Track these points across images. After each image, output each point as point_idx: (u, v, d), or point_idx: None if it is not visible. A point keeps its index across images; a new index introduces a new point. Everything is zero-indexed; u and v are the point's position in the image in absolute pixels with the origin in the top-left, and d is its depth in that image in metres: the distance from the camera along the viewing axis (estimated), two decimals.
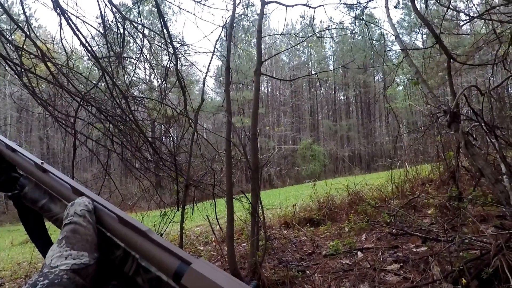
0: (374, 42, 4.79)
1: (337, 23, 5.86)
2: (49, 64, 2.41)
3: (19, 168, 0.53)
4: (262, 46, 3.90)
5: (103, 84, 2.81)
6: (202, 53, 3.66)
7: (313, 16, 7.52)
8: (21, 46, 2.43)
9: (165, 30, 3.08)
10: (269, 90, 35.64)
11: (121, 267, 0.40)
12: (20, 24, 2.47)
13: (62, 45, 2.83)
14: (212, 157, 3.99)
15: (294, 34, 5.31)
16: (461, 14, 6.59)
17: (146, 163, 3.37)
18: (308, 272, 3.03)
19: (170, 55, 3.25)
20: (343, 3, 4.47)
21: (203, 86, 3.62)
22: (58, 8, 2.24)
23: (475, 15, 4.15)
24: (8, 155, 0.54)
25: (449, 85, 3.65)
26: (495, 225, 3.05)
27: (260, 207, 3.09)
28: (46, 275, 0.33)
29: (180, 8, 3.51)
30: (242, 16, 4.83)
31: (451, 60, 3.57)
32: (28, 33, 2.41)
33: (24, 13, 2.71)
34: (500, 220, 3.12)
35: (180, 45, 3.92)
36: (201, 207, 3.64)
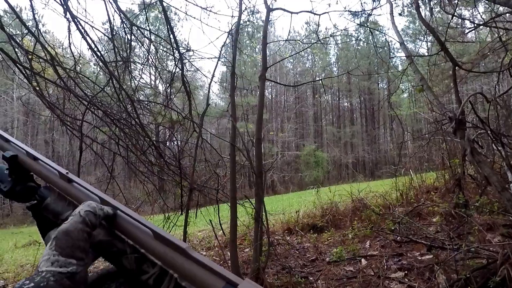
0: (378, 49, 4.80)
1: (341, 30, 5.89)
2: (57, 68, 2.45)
3: (42, 178, 0.50)
4: (267, 52, 3.94)
5: (110, 88, 2.85)
6: (208, 58, 3.72)
7: (318, 22, 7.57)
8: (31, 50, 2.48)
9: (171, 36, 3.12)
10: (273, 96, 35.74)
11: (156, 287, 0.37)
12: (30, 29, 2.53)
13: (71, 50, 2.88)
14: (216, 161, 4.00)
15: (299, 40, 5.35)
16: (466, 22, 6.60)
17: (151, 167, 3.39)
18: (311, 278, 3.00)
19: (176, 60, 3.29)
20: (348, 10, 4.51)
21: (209, 91, 3.65)
22: (68, 14, 2.29)
23: (480, 23, 4.16)
24: (28, 164, 0.50)
25: (455, 92, 3.63)
26: (502, 233, 3.00)
27: (263, 213, 3.09)
28: (33, 278, 0.33)
29: (187, 14, 3.57)
30: (248, 22, 4.89)
31: (456, 68, 3.56)
32: (38, 38, 2.46)
33: (34, 18, 2.77)
34: (507, 229, 3.07)
35: (186, 51, 3.97)
36: (204, 212, 3.64)
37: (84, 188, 0.47)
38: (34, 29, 2.68)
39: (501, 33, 4.02)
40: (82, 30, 2.31)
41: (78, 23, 2.27)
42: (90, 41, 2.32)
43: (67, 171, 0.48)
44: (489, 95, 4.08)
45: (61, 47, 3.40)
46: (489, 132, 3.20)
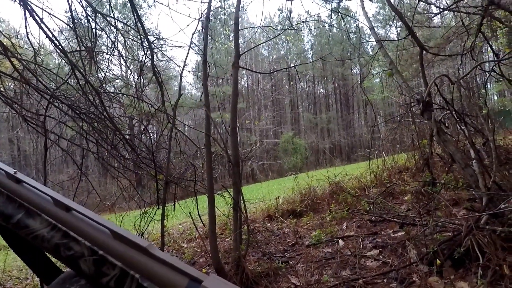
0: (350, 35, 4.87)
1: (314, 16, 5.90)
2: (14, 60, 2.27)
3: None
4: (241, 40, 3.86)
5: (74, 80, 2.69)
6: (179, 47, 3.58)
7: (290, 9, 7.52)
8: None
9: (139, 24, 2.97)
10: (249, 84, 35.53)
11: None
12: None
13: (28, 39, 2.67)
14: (192, 153, 3.94)
15: (271, 26, 5.30)
16: (432, 7, 6.81)
17: (124, 162, 3.28)
18: (291, 262, 3.08)
19: (145, 49, 3.16)
20: None
21: (180, 80, 3.54)
22: (20, 0, 2.11)
23: (444, 8, 4.31)
24: None
25: (422, 75, 3.77)
26: (466, 207, 3.22)
27: (242, 201, 3.10)
28: None
29: (154, 0, 3.41)
30: (219, 9, 4.77)
31: (423, 51, 3.69)
32: None
33: None
34: (470, 203, 3.29)
35: (156, 39, 3.81)
36: (183, 205, 3.60)
37: (35, 188, 0.44)
38: None
39: (463, 18, 4.18)
40: (38, 18, 2.14)
41: (32, 10, 2.10)
42: (47, 30, 2.16)
43: (15, 170, 0.45)
44: (454, 78, 4.28)
45: (16, 37, 3.14)
46: (453, 112, 3.37)
